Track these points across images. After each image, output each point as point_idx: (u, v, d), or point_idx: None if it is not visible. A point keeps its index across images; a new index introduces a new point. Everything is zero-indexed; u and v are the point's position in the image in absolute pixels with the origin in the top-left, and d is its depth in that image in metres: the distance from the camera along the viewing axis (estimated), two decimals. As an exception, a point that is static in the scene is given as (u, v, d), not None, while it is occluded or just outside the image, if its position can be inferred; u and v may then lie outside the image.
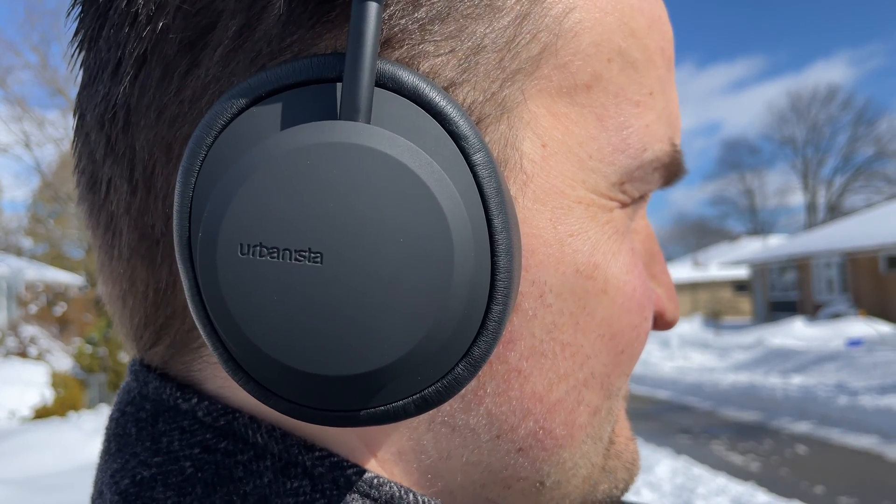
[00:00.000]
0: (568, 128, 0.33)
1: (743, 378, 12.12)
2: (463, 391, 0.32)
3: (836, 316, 21.48)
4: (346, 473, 0.32)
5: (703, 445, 8.14)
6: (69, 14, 0.36)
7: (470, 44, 0.30)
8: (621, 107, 0.34)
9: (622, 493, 0.43)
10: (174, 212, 0.28)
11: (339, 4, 0.29)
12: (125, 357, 11.33)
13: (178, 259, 0.28)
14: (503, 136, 0.31)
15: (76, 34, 0.35)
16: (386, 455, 0.34)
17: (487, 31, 0.31)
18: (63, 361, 14.46)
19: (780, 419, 9.46)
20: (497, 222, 0.27)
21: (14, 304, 18.66)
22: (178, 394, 0.34)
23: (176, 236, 0.27)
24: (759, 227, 57.22)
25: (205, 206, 0.27)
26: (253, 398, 0.33)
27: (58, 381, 11.07)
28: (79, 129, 0.36)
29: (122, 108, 0.32)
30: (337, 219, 0.25)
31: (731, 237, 57.61)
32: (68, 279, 20.84)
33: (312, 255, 0.25)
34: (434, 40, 0.30)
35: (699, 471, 6.61)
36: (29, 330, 13.82)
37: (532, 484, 0.36)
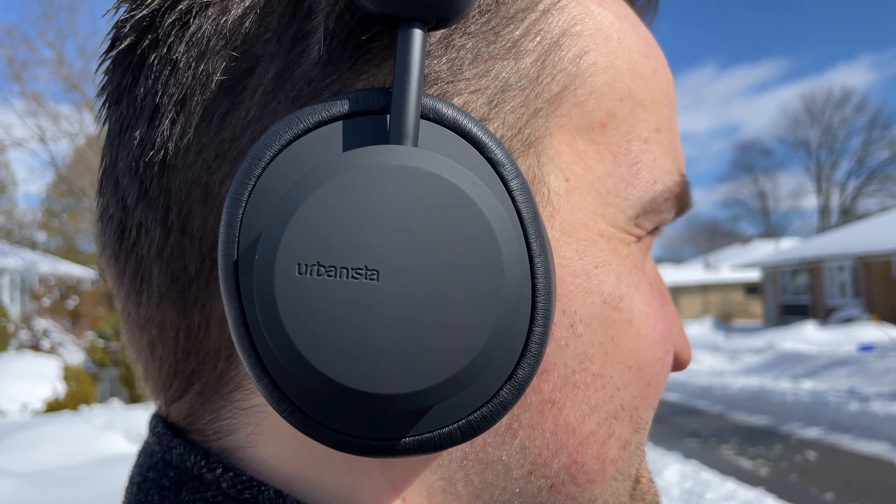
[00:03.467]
0: (587, 164, 0.34)
1: (753, 382, 12.04)
2: (497, 423, 0.33)
3: (848, 320, 21.32)
4: None
5: (713, 450, 8.10)
6: (98, 68, 0.36)
7: (497, 82, 0.32)
8: (632, 143, 0.36)
9: None
10: (220, 242, 0.28)
11: (378, 45, 0.31)
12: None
13: (222, 289, 0.28)
14: (531, 169, 0.33)
15: (105, 87, 0.36)
16: (416, 497, 0.34)
17: (512, 71, 0.33)
18: (75, 355, 14.59)
19: (790, 424, 9.39)
20: (535, 245, 0.28)
21: (27, 297, 18.81)
22: (203, 462, 0.34)
23: (221, 267, 0.28)
24: (772, 230, 56.86)
25: (258, 232, 0.27)
26: (281, 454, 0.33)
27: (70, 374, 11.16)
28: (106, 178, 0.36)
29: (158, 150, 0.33)
30: (392, 236, 0.26)
31: (743, 239, 57.30)
32: (81, 273, 20.99)
33: (369, 272, 0.26)
34: (464, 79, 0.32)
35: (708, 475, 6.57)
36: (41, 323, 13.94)
37: None
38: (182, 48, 0.32)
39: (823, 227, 48.67)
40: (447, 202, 0.26)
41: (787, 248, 33.02)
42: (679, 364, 0.43)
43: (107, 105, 0.36)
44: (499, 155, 0.29)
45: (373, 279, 0.26)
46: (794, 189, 58.47)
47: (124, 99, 0.35)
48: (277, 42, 0.31)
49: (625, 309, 0.36)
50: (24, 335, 13.60)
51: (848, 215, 47.64)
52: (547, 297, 0.28)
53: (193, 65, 0.32)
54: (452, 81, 0.32)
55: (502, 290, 0.27)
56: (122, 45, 0.34)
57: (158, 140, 0.32)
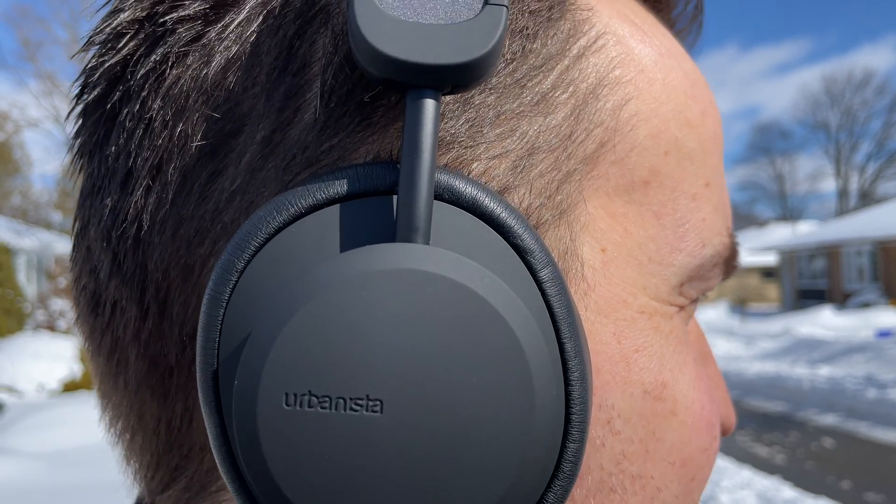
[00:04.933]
0: (626, 229, 0.30)
1: (769, 367, 11.98)
2: None
3: (865, 305, 21.16)
4: None
5: (728, 436, 8.05)
6: (68, 116, 0.31)
7: (524, 143, 0.28)
8: (678, 202, 0.32)
9: None
10: (198, 349, 0.24)
11: (384, 105, 0.26)
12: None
13: (201, 400, 0.24)
14: (562, 242, 0.29)
15: (76, 137, 0.31)
16: None
17: (541, 129, 0.28)
18: (91, 335, 14.57)
19: (806, 410, 9.34)
20: (569, 346, 0.25)
21: (43, 277, 18.99)
22: None
23: (200, 380, 0.24)
24: (789, 213, 56.38)
25: (238, 347, 0.24)
26: None
27: (86, 355, 11.18)
28: (79, 242, 0.31)
29: (132, 222, 0.29)
30: (398, 359, 0.22)
31: (760, 223, 56.87)
32: (96, 254, 21.02)
33: (371, 403, 0.22)
34: (485, 142, 0.27)
35: (724, 463, 6.54)
36: (58, 304, 14.03)
37: None
38: (157, 104, 0.28)
39: (842, 210, 48.23)
40: (465, 314, 0.22)
41: (805, 231, 32.80)
42: (723, 431, 0.38)
43: (79, 156, 0.31)
44: (526, 240, 0.25)
45: (375, 411, 0.22)
46: (812, 172, 57.99)
47: (96, 155, 0.30)
48: (266, 99, 0.27)
49: (668, 398, 0.31)
50: (40, 315, 13.72)
51: (867, 198, 47.17)
52: (583, 407, 0.24)
53: (170, 124, 0.28)
54: (471, 146, 0.27)
55: (532, 414, 0.23)
56: (91, 96, 0.29)
57: (132, 211, 0.28)
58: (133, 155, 0.28)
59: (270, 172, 0.27)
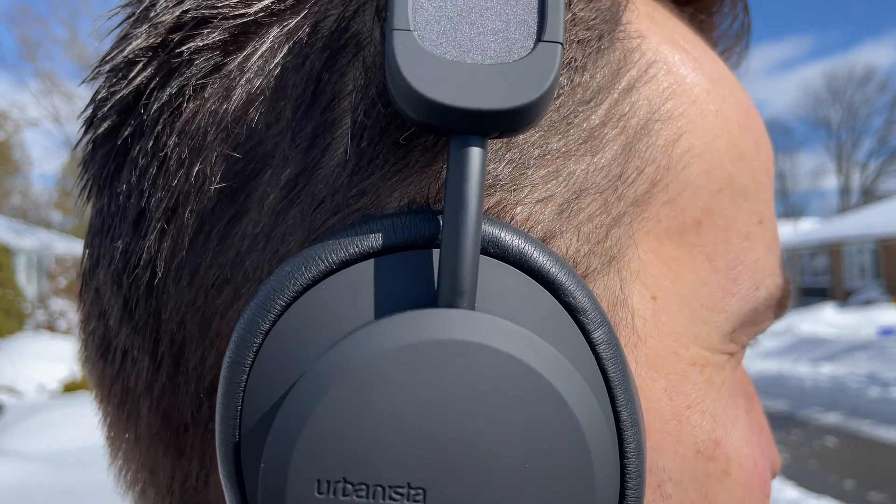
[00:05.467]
0: (678, 273, 0.28)
1: (771, 366, 11.95)
2: None
3: (867, 302, 21.11)
4: None
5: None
6: (77, 145, 0.28)
7: (570, 186, 0.26)
8: (731, 242, 0.29)
9: None
10: (217, 417, 0.22)
11: (421, 145, 0.24)
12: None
13: (223, 480, 0.23)
14: (612, 292, 0.27)
15: (86, 167, 0.28)
16: None
17: (589, 169, 0.26)
18: (91, 335, 14.57)
19: (808, 409, 9.31)
20: (625, 415, 0.23)
21: (43, 277, 18.98)
22: None
23: (220, 452, 0.22)
24: (791, 211, 56.29)
25: (263, 421, 0.22)
26: None
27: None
28: (87, 282, 0.29)
29: (145, 267, 0.27)
30: (442, 442, 0.20)
31: (761, 220, 56.78)
32: (97, 253, 21.04)
33: (413, 491, 0.20)
34: (530, 184, 0.25)
35: (725, 462, 6.51)
36: (58, 303, 14.04)
37: None
38: (172, 141, 0.26)
39: (843, 207, 48.15)
40: (517, 390, 0.20)
41: (807, 229, 32.76)
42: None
43: (88, 190, 0.28)
44: (579, 299, 0.23)
45: (417, 501, 0.20)
46: (813, 169, 57.95)
47: (105, 191, 0.27)
48: (292, 137, 0.25)
49: (721, 457, 0.29)
50: (40, 315, 13.73)
51: (869, 195, 47.08)
52: (639, 481, 0.23)
53: (187, 163, 0.26)
54: (514, 189, 0.25)
55: (591, 497, 0.21)
56: (101, 129, 0.27)
57: (145, 255, 0.26)
58: (146, 195, 0.26)
59: (297, 217, 0.24)
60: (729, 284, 0.29)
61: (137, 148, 0.27)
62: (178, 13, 0.26)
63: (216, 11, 0.26)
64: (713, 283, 0.29)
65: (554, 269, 0.23)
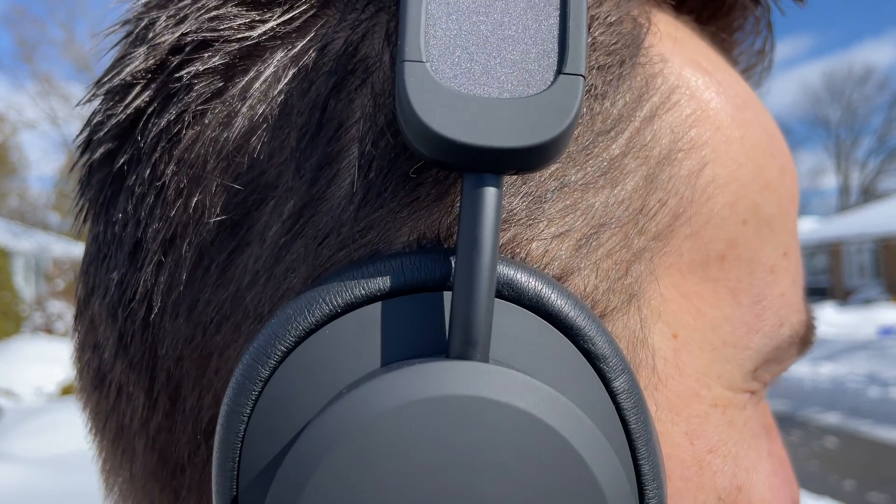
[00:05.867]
0: (700, 309, 0.27)
1: (770, 366, 11.95)
2: None
3: (867, 301, 21.12)
4: None
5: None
6: (72, 167, 0.27)
7: (589, 220, 0.25)
8: (755, 275, 0.28)
9: None
10: (214, 467, 0.21)
11: (432, 178, 0.23)
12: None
13: None
14: (632, 331, 0.25)
15: (81, 194, 0.27)
16: None
17: (609, 202, 0.25)
18: (90, 337, 14.55)
19: (808, 409, 9.29)
20: (647, 468, 0.22)
21: (41, 279, 18.97)
22: None
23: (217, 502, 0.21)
24: (789, 209, 56.35)
25: (263, 476, 0.21)
26: None
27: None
28: (82, 311, 0.27)
29: (141, 301, 0.26)
30: None
31: (760, 219, 56.84)
32: (96, 255, 21.02)
33: None
34: (546, 218, 0.24)
35: (725, 463, 6.50)
36: (55, 306, 14.01)
37: None
38: (171, 169, 0.25)
39: (843, 206, 48.16)
40: (533, 451, 0.19)
41: (807, 228, 32.80)
42: None
43: (84, 211, 0.27)
44: (599, 345, 0.22)
45: None
46: (812, 168, 57.90)
47: (101, 217, 0.26)
48: (296, 168, 0.24)
49: (743, 503, 0.27)
50: (37, 318, 13.71)
51: (868, 194, 47.10)
52: None
53: (185, 193, 0.25)
54: (530, 224, 0.24)
55: None
56: (97, 155, 0.26)
57: (141, 289, 0.26)
58: (143, 225, 0.25)
59: (300, 252, 0.23)
60: (753, 320, 0.28)
61: (134, 176, 0.25)
62: (178, 34, 0.25)
63: (218, 34, 0.25)
64: (737, 318, 0.27)
65: (572, 314, 0.22)
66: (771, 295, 0.28)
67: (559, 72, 0.21)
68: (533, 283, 0.22)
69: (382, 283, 0.21)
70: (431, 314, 0.21)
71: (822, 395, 9.69)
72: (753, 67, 0.37)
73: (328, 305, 0.21)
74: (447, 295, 0.21)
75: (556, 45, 0.22)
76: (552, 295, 0.22)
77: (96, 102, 0.28)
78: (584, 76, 0.21)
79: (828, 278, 26.91)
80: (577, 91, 0.21)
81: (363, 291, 0.21)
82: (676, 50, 0.28)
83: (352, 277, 0.21)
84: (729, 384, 0.27)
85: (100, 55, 0.29)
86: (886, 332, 13.34)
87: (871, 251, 23.66)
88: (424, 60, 0.21)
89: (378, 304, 0.21)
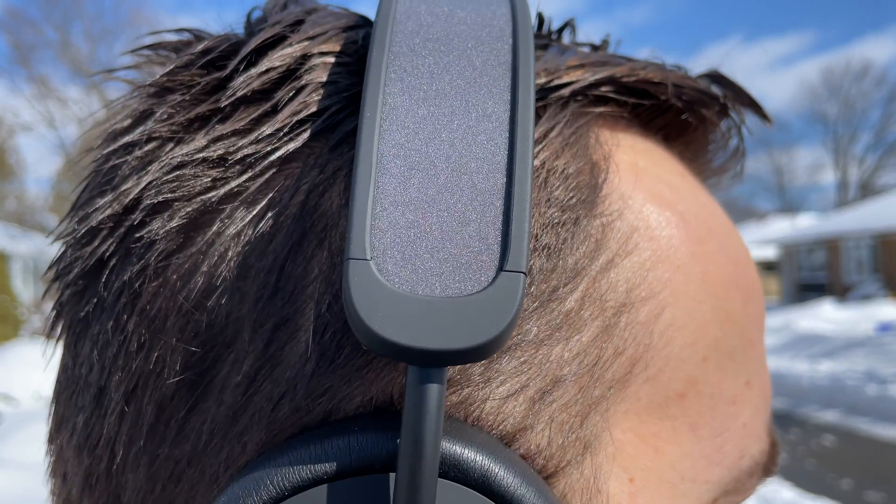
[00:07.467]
0: (657, 448, 0.26)
1: (769, 363, 11.72)
2: None
3: (865, 297, 21.12)
4: None
5: None
6: (44, 296, 0.28)
7: (543, 375, 0.24)
8: (717, 409, 0.28)
9: None
10: None
11: None
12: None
13: None
14: (586, 483, 0.25)
15: (58, 315, 0.27)
16: None
17: (564, 356, 0.25)
18: (89, 340, 14.50)
19: (806, 407, 9.30)
20: None
21: (39, 282, 18.92)
22: None
23: None
24: (788, 206, 56.30)
25: None
26: None
27: None
28: (53, 436, 0.28)
29: (105, 447, 0.26)
30: None
31: (759, 216, 56.78)
32: (94, 257, 21.01)
33: None
34: (499, 377, 0.24)
35: (723, 463, 6.50)
36: (55, 309, 14.01)
37: None
38: (132, 323, 0.25)
39: (841, 201, 48.18)
40: None
41: (804, 224, 32.85)
42: None
43: (60, 332, 0.28)
44: None
45: None
46: (811, 164, 57.96)
47: (70, 351, 0.27)
48: (253, 329, 0.24)
49: None
50: (36, 321, 13.70)
51: (866, 190, 47.11)
52: None
53: (147, 347, 0.25)
54: (484, 383, 0.23)
55: None
56: (66, 295, 0.27)
57: (105, 435, 0.26)
58: (107, 372, 0.26)
59: (254, 417, 0.24)
60: (713, 453, 0.27)
61: (98, 325, 0.26)
62: (142, 186, 0.25)
63: (180, 193, 0.25)
64: (696, 453, 0.27)
65: (520, 491, 0.21)
66: (733, 426, 0.28)
67: (500, 268, 0.21)
68: (479, 461, 0.21)
69: (328, 466, 0.21)
70: (376, 497, 0.21)
71: (821, 392, 9.69)
72: (727, 165, 0.36)
73: (275, 488, 0.21)
74: (393, 477, 0.21)
75: (498, 238, 0.22)
76: (499, 473, 0.21)
77: (69, 232, 0.28)
78: (525, 273, 0.21)
79: (826, 274, 26.90)
80: (516, 290, 0.21)
81: (309, 475, 0.21)
82: (637, 185, 0.28)
83: (298, 459, 0.21)
84: None
85: (82, 174, 0.30)
86: (885, 328, 13.33)
87: (870, 247, 23.65)
88: (369, 258, 0.21)
89: (324, 487, 0.21)
